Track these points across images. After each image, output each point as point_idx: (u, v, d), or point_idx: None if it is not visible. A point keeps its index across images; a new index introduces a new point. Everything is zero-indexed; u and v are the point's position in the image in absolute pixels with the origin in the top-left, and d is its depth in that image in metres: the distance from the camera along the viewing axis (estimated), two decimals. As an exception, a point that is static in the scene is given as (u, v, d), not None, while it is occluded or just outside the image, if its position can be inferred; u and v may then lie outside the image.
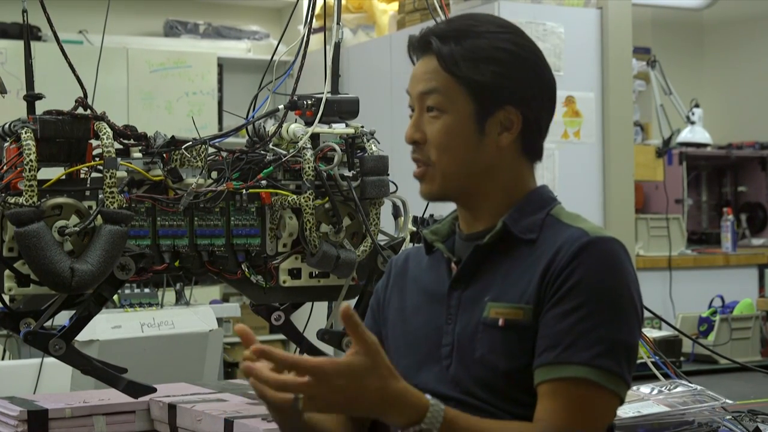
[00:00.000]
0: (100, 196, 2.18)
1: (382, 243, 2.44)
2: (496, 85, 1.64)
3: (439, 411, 1.47)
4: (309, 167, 2.33)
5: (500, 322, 1.59)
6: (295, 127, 2.37)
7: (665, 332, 3.67)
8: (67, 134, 2.17)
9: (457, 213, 1.75)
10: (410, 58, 1.73)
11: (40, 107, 2.23)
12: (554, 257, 1.58)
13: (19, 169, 2.12)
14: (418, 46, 1.70)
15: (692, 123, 6.51)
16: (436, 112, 1.66)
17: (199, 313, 3.76)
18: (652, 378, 2.66)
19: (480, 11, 1.75)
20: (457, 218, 1.75)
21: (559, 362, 1.54)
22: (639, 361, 2.46)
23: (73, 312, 2.25)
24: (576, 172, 4.87)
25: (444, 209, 1.82)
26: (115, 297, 3.63)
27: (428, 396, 1.48)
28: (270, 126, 2.41)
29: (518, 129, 1.66)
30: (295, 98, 2.42)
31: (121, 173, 2.19)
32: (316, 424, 1.68)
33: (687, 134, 6.48)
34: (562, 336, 1.54)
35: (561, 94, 3.85)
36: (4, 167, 2.15)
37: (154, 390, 2.32)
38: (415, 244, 2.50)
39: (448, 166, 1.66)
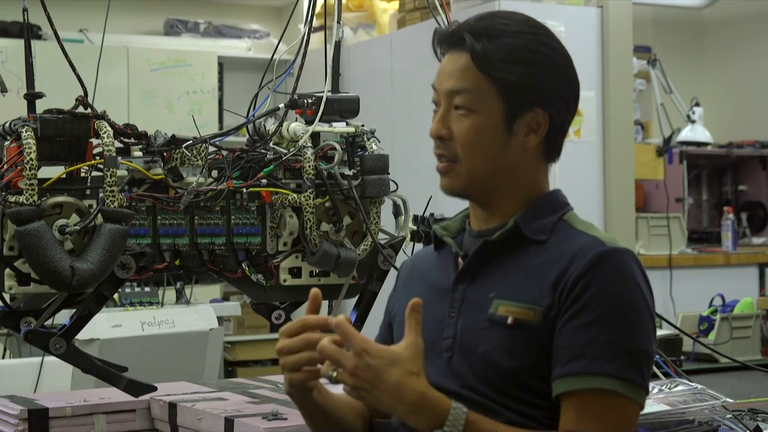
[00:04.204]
0: (100, 194, 2.18)
1: (382, 242, 2.44)
2: (527, 87, 1.64)
3: (461, 414, 1.48)
4: (309, 166, 2.33)
5: (509, 320, 1.59)
6: (295, 125, 2.37)
7: (666, 331, 3.68)
8: (67, 133, 2.17)
9: (468, 211, 1.76)
10: (434, 51, 1.71)
11: (41, 106, 2.23)
12: (569, 264, 1.58)
13: (19, 167, 2.12)
14: (449, 41, 1.68)
15: (693, 122, 6.51)
16: (465, 111, 1.65)
17: (199, 312, 3.76)
18: (652, 377, 2.66)
19: (480, 10, 1.74)
20: (467, 216, 1.76)
21: (586, 373, 1.53)
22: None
23: (74, 311, 2.25)
24: (576, 171, 4.86)
25: (446, 208, 1.82)
26: (116, 296, 3.64)
27: (452, 401, 1.49)
28: (270, 125, 2.41)
29: (545, 131, 1.66)
30: (296, 97, 2.42)
31: (122, 172, 2.19)
32: (328, 408, 1.70)
33: (687, 133, 6.48)
34: (586, 347, 1.54)
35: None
36: (5, 166, 2.15)
37: (155, 389, 2.32)
38: (422, 244, 2.51)
39: (475, 164, 1.66)
